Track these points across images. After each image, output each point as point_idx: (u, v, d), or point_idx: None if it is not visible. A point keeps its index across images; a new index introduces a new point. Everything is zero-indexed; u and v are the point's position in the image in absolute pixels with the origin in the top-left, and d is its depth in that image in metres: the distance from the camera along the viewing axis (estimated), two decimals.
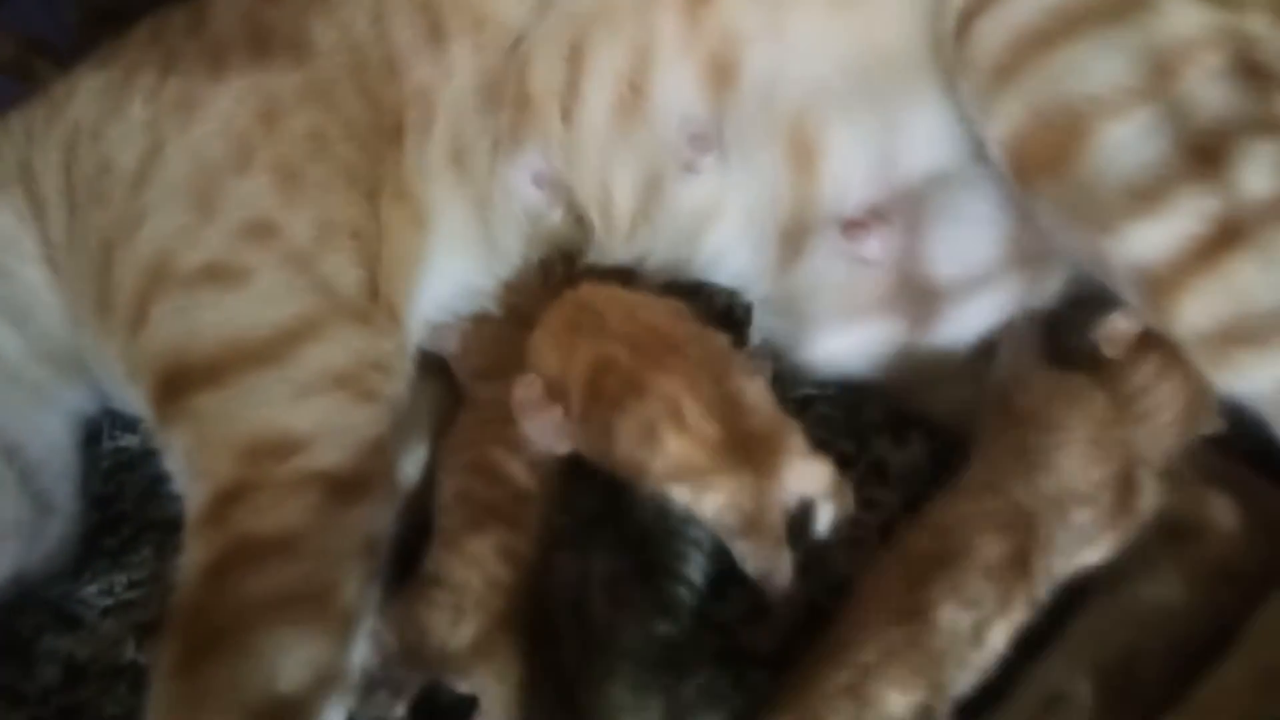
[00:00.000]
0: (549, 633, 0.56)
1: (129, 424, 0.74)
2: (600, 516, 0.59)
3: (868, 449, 0.65)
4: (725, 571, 0.61)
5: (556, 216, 0.66)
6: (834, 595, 0.60)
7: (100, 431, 0.74)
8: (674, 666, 0.54)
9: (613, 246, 0.66)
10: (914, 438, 0.66)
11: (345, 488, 0.55)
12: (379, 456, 0.58)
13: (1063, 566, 0.55)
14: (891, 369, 0.64)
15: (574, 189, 0.65)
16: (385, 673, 0.56)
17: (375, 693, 0.55)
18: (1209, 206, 0.53)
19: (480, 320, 0.68)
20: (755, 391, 0.58)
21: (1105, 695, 0.55)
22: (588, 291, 0.63)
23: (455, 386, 0.68)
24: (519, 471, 0.61)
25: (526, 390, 0.61)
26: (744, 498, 0.56)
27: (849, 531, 0.61)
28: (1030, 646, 0.57)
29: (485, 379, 0.65)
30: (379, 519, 0.57)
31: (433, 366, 0.68)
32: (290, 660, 0.50)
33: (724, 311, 0.68)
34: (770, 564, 0.56)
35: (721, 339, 0.61)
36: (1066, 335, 0.63)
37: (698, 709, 0.53)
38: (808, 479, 0.58)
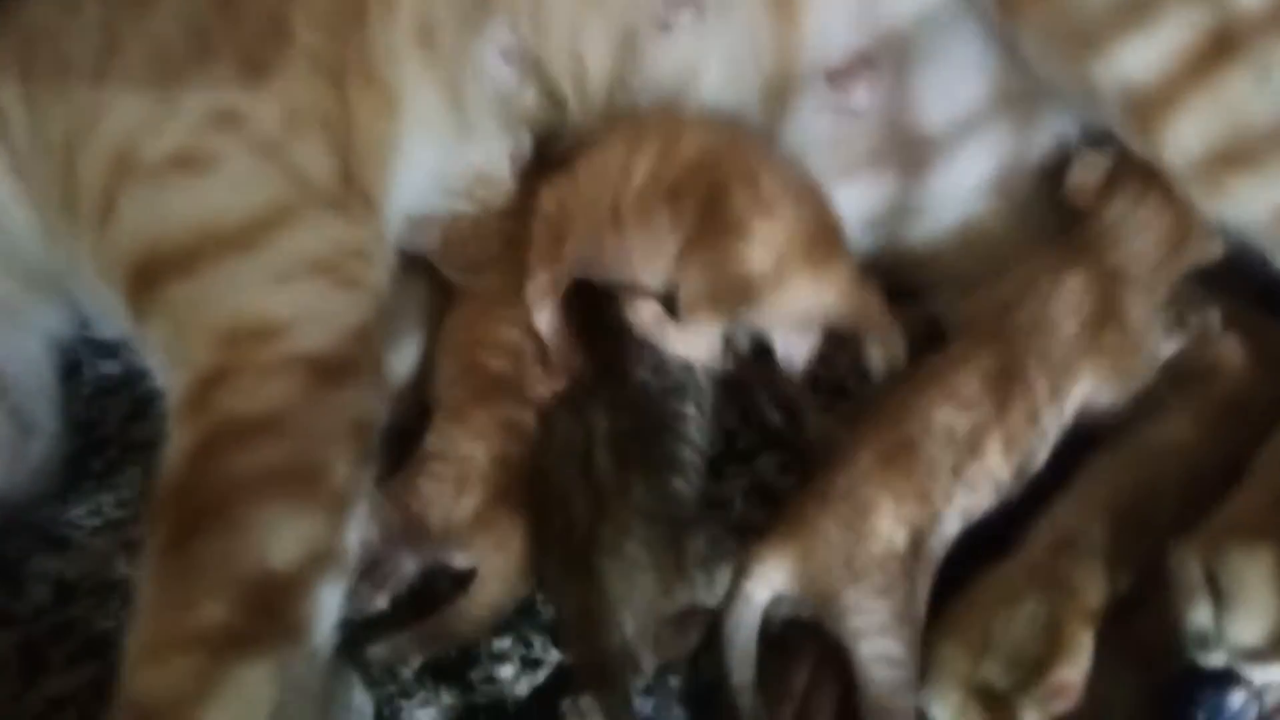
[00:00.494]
0: (556, 495, 0.55)
1: (109, 350, 0.72)
2: (596, 380, 0.57)
3: None
4: (723, 450, 0.61)
5: (529, 96, 0.63)
6: None
7: (80, 362, 0.73)
8: (684, 523, 0.53)
9: (589, 121, 0.64)
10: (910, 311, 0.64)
11: (329, 371, 0.54)
12: (363, 342, 0.56)
13: (1056, 395, 0.54)
14: (885, 233, 0.63)
15: (544, 61, 0.63)
16: (381, 553, 0.55)
17: (359, 584, 0.54)
18: (1200, 17, 0.52)
19: (463, 216, 0.66)
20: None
21: (1118, 536, 0.54)
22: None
23: (444, 286, 0.67)
24: (528, 347, 0.60)
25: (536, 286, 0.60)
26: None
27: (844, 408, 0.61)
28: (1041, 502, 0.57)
29: (479, 271, 0.64)
30: (366, 403, 0.56)
31: (420, 265, 0.67)
32: (281, 537, 0.49)
33: None
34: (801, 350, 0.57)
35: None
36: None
37: (711, 561, 0.52)
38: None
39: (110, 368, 0.72)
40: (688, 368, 0.58)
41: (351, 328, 0.56)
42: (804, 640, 0.52)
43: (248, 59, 0.59)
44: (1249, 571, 0.47)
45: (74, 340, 0.71)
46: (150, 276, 0.56)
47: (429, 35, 0.62)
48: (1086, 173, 0.59)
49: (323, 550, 0.50)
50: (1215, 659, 0.47)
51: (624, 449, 0.54)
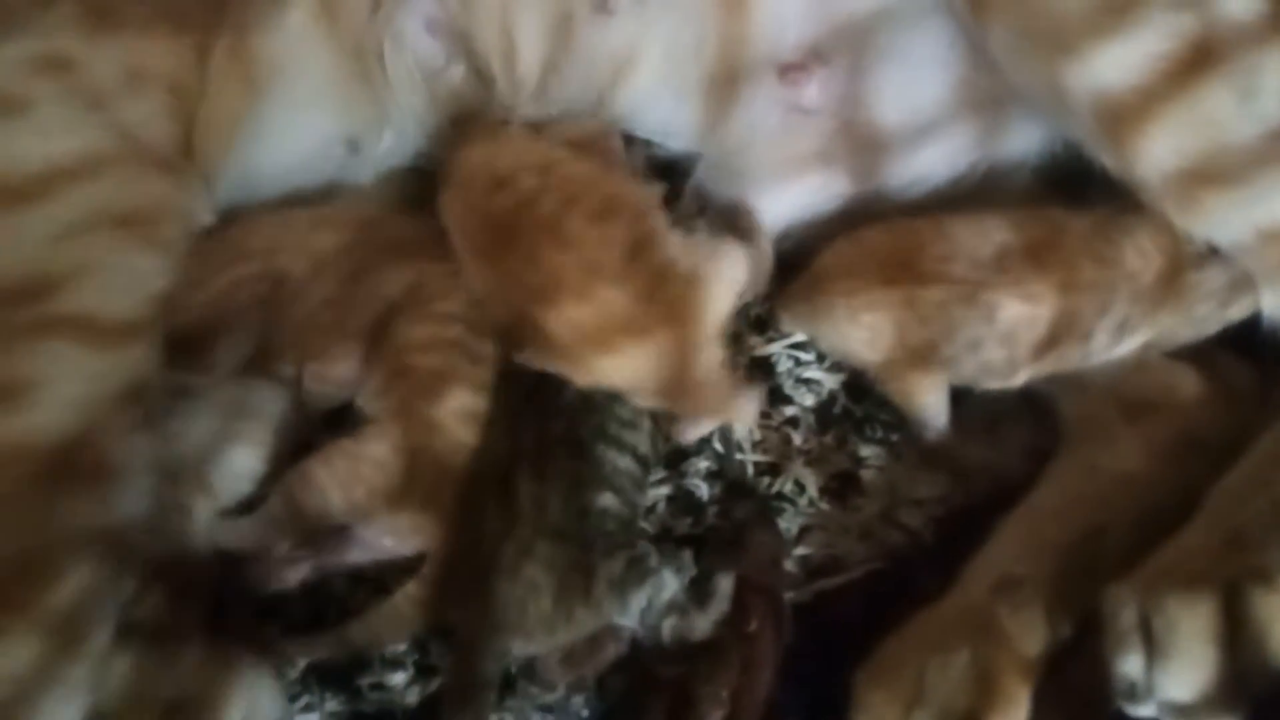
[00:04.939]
0: (473, 509, 0.51)
1: None
2: (533, 390, 0.53)
3: None
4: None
5: (457, 73, 0.58)
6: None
7: None
8: (601, 544, 0.50)
9: (518, 104, 0.58)
10: None
11: (105, 334, 0.48)
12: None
13: None
14: (835, 232, 0.58)
15: (473, 36, 0.57)
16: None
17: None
18: (1183, 24, 0.48)
19: None
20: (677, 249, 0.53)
21: (1062, 576, 0.51)
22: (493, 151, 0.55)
23: None
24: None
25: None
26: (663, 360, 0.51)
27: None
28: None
29: None
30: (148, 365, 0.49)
31: None
32: None
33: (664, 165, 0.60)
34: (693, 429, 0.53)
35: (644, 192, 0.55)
36: None
37: (628, 584, 0.49)
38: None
39: None
40: None
41: (153, 292, 0.50)
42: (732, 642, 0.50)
43: (95, 6, 0.53)
44: (1185, 622, 0.44)
45: None
46: None
47: (330, 6, 0.56)
48: None
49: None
50: (1144, 711, 0.45)
51: (548, 462, 0.51)
